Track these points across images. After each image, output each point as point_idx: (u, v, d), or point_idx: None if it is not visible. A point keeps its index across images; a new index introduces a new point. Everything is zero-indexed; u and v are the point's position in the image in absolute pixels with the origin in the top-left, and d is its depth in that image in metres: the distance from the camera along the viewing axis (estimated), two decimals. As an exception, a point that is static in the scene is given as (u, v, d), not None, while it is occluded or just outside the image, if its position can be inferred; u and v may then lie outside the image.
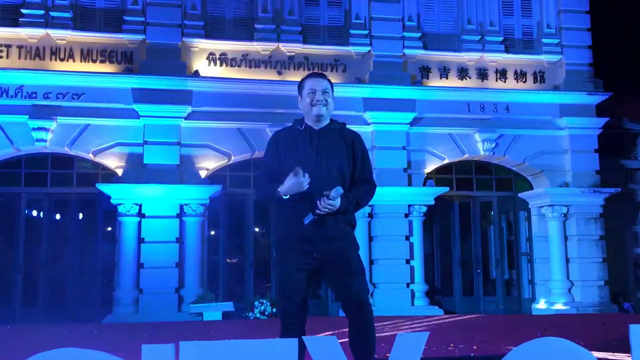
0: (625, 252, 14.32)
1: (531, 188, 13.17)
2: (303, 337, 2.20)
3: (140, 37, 11.63)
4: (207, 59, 11.97)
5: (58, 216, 12.02)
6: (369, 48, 12.40)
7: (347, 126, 3.67)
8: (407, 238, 12.02)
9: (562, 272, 12.40)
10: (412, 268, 11.97)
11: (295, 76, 12.03)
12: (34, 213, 11.90)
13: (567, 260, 12.47)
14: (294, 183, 3.21)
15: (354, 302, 3.34)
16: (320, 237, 3.31)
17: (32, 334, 8.35)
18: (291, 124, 3.59)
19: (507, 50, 12.99)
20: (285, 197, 3.26)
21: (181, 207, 11.28)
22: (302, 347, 2.54)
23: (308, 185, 3.22)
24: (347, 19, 12.59)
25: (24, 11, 11.29)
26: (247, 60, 12.07)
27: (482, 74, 12.83)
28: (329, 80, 3.58)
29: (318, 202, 3.25)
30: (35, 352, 2.09)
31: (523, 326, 8.91)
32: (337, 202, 3.27)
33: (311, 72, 3.71)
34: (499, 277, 13.22)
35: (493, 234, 13.39)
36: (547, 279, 12.60)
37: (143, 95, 11.31)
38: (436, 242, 13.07)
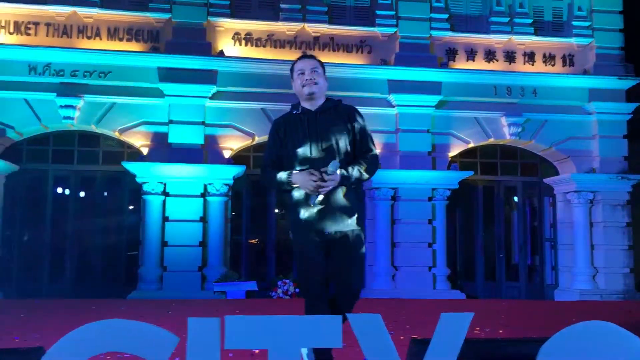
0: (651, 240, 14.12)
1: (557, 173, 13.01)
2: (347, 315, 2.19)
3: (167, 15, 11.62)
4: (232, 38, 11.94)
5: (84, 193, 12.16)
6: (395, 29, 12.26)
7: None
8: (430, 222, 11.98)
9: (586, 259, 12.28)
10: (434, 252, 11.94)
11: (321, 57, 11.83)
12: (60, 190, 12.05)
13: (592, 247, 12.33)
14: (306, 180, 3.33)
15: (348, 291, 3.45)
16: (330, 218, 3.40)
17: (62, 308, 8.51)
18: (288, 110, 3.68)
19: (536, 33, 12.75)
20: (294, 185, 3.41)
21: (205, 186, 11.35)
22: None
23: (314, 185, 3.31)
24: (373, -1, 12.45)
25: (51, -11, 11.34)
26: (272, 41, 12.01)
27: (510, 57, 12.63)
28: (319, 60, 3.67)
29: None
30: (70, 324, 2.12)
31: (547, 312, 8.85)
32: (337, 177, 3.34)
33: (301, 54, 3.79)
34: (522, 263, 13.14)
35: (517, 219, 13.28)
36: (571, 266, 12.49)
37: (168, 75, 11.33)
38: (459, 226, 13.01)
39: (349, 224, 3.45)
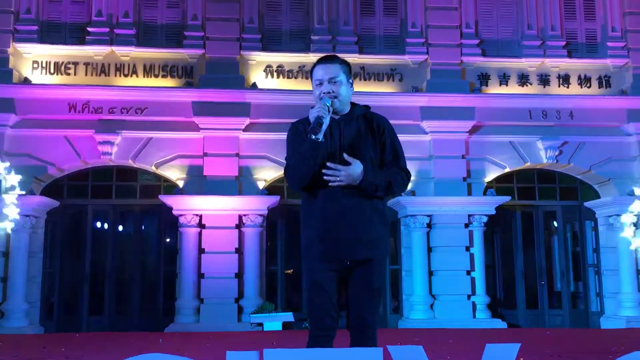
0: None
1: (598, 197, 12.66)
2: (388, 347, 2.14)
3: (200, 51, 11.89)
4: (264, 71, 12.12)
5: (122, 227, 12.35)
6: (426, 56, 12.27)
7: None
8: (468, 249, 11.76)
9: (632, 284, 11.82)
10: (472, 279, 11.69)
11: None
12: (99, 224, 12.27)
13: (638, 272, 11.89)
14: (317, 106, 3.01)
15: (359, 320, 3.05)
16: (350, 238, 3.00)
17: (102, 341, 8.57)
18: (307, 116, 3.14)
19: (569, 55, 12.60)
20: (319, 140, 2.98)
21: (240, 217, 11.41)
22: None
23: (328, 105, 3.00)
24: (403, 27, 12.50)
25: (90, 29, 11.73)
26: (304, 72, 12.14)
27: (544, 80, 12.48)
28: (342, 62, 3.20)
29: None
30: (110, 358, 2.11)
31: (594, 340, 8.53)
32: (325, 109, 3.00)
33: (322, 55, 3.33)
34: (565, 290, 12.73)
35: (557, 245, 12.93)
36: (617, 292, 12.05)
37: (203, 108, 11.53)
38: (498, 252, 12.73)
39: (370, 248, 3.03)
